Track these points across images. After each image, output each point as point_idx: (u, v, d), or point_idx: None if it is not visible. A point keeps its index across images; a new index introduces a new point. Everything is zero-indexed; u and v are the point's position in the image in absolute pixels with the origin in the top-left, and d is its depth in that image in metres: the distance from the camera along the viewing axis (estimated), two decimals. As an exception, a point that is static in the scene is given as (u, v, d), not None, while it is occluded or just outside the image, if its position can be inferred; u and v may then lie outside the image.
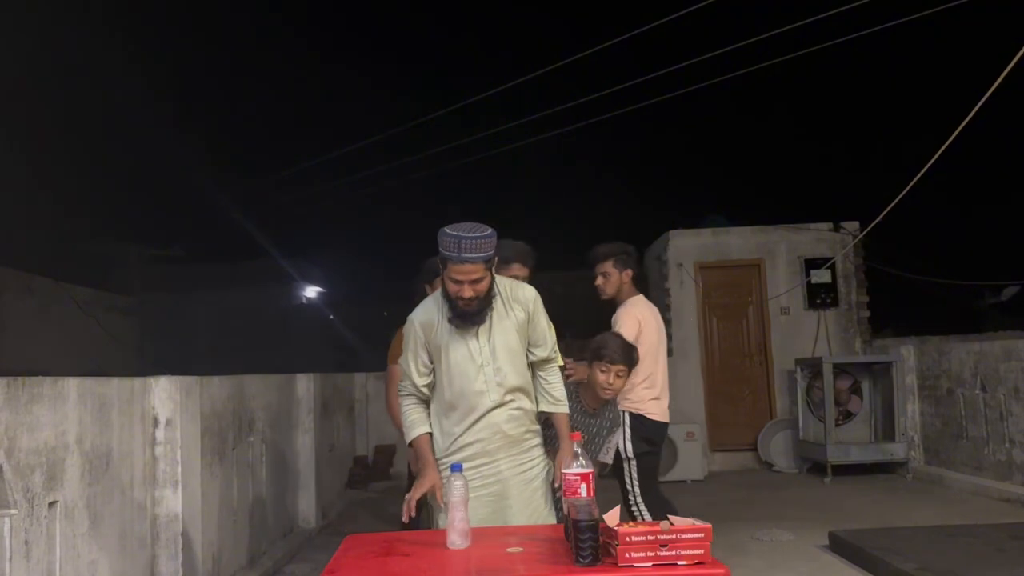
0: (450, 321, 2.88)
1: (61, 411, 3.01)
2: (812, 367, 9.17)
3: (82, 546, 3.11)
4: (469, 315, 2.85)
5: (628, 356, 3.43)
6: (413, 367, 2.97)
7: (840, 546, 5.40)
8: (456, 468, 2.54)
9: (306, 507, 6.82)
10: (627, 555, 2.10)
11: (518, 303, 2.96)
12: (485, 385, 2.89)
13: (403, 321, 3.56)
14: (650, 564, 2.10)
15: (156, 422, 3.90)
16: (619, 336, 3.64)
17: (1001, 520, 6.01)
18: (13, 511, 2.65)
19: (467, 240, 2.71)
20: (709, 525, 2.18)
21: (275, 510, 5.92)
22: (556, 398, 3.02)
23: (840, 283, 10.20)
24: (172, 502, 3.89)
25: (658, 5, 10.18)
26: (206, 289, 16.44)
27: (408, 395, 3.00)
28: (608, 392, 3.44)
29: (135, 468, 3.68)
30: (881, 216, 6.96)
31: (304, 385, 6.97)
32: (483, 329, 2.90)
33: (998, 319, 14.55)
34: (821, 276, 10.12)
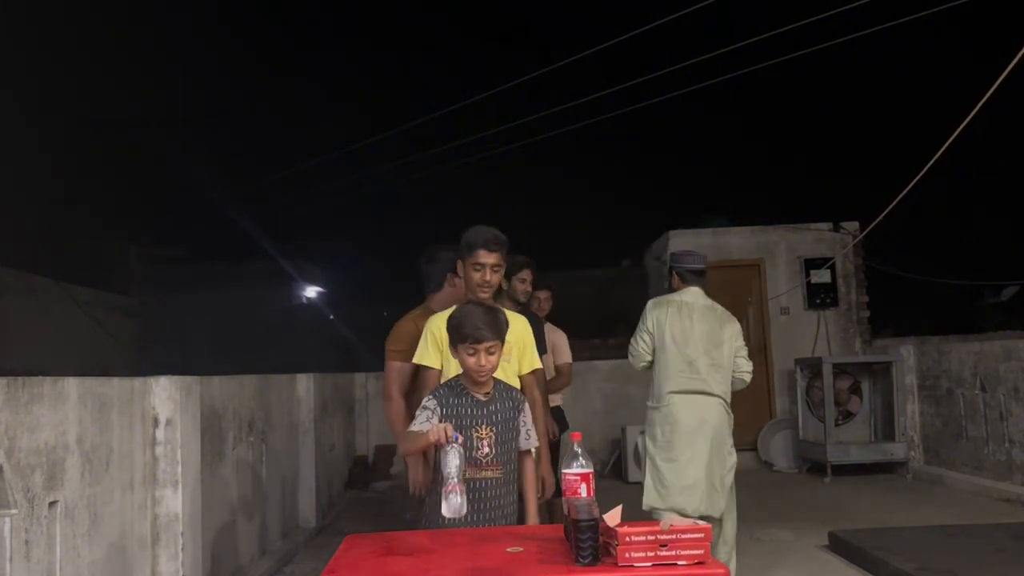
0: None
1: (61, 411, 3.01)
2: (812, 367, 9.17)
3: (82, 546, 3.11)
4: None
5: (497, 328, 2.82)
6: None
7: (840, 546, 5.40)
8: (455, 439, 2.49)
9: (306, 507, 6.82)
10: (627, 555, 2.10)
11: None
12: None
13: (400, 318, 3.48)
14: (650, 564, 2.10)
15: (156, 422, 3.89)
16: (478, 306, 2.94)
17: (1001, 520, 6.01)
18: (13, 511, 2.65)
19: None
20: (709, 526, 2.18)
21: (275, 510, 5.92)
22: None
23: (840, 283, 10.20)
24: (172, 502, 3.89)
25: (658, 5, 10.20)
26: (206, 289, 16.41)
27: None
28: (483, 375, 2.85)
29: (135, 468, 3.68)
30: (881, 216, 6.95)
31: (304, 385, 6.97)
32: None
33: (998, 319, 14.54)
34: (821, 276, 10.12)
